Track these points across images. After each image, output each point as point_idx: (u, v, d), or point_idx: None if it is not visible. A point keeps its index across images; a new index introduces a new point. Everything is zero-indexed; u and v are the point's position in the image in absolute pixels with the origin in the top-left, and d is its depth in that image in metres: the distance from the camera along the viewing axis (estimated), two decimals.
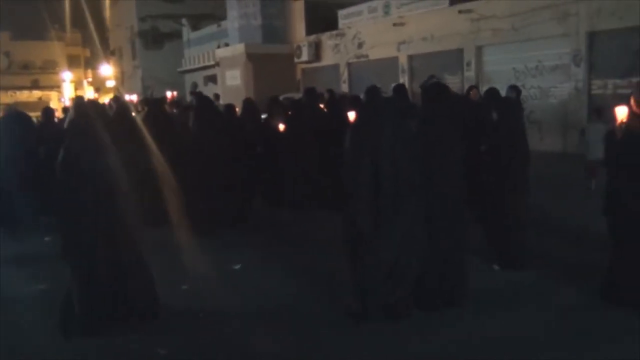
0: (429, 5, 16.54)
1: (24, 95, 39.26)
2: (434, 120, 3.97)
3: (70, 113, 6.45)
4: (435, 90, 4.23)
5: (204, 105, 7.49)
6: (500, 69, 14.62)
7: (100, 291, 3.88)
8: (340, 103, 8.90)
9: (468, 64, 15.32)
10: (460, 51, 15.54)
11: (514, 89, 7.61)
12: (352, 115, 7.62)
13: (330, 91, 10.23)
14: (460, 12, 15.21)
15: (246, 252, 5.91)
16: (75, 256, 3.90)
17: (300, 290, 4.82)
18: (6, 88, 39.48)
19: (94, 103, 6.25)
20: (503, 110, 5.03)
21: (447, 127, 3.96)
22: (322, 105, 9.20)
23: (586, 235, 5.96)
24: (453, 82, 15.41)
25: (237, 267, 5.51)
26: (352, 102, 8.08)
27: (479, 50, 15.14)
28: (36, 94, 40.66)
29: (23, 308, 4.70)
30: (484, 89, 13.58)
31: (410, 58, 17.27)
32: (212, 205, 6.74)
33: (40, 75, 47.38)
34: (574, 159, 8.49)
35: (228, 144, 6.99)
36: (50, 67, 47.89)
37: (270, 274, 5.27)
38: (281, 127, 8.11)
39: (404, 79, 17.16)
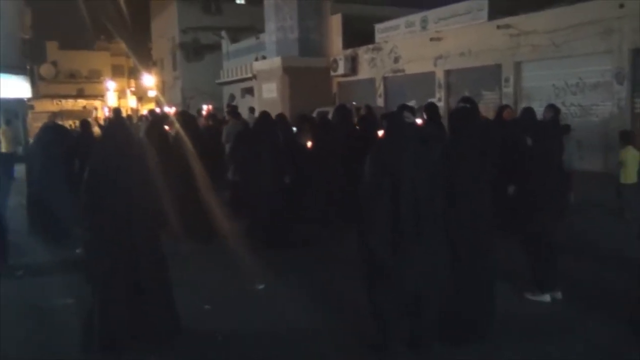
0: (467, 20, 16.36)
1: (69, 104, 40.47)
2: (460, 145, 3.85)
3: (106, 125, 6.49)
4: (461, 114, 4.10)
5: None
6: (539, 86, 14.30)
7: (120, 309, 3.90)
8: (376, 120, 8.80)
9: (506, 80, 15.04)
10: (498, 67, 15.27)
11: (552, 108, 7.30)
12: (381, 132, 7.61)
13: (368, 107, 10.06)
14: (498, 27, 14.97)
15: (271, 271, 5.86)
16: (97, 273, 3.93)
17: (322, 315, 4.74)
18: (52, 96, 40.77)
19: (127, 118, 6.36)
20: (539, 136, 4.81)
21: (474, 151, 3.83)
22: (355, 121, 9.15)
23: (620, 260, 5.74)
24: (491, 98, 15.17)
25: (261, 287, 5.46)
26: (383, 120, 8.02)
27: (517, 66, 14.86)
28: (80, 102, 41.88)
29: (47, 320, 4.78)
30: (522, 105, 13.43)
31: (447, 73, 17.08)
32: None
33: (86, 84, 48.84)
34: (614, 179, 8.20)
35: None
36: (95, 77, 49.37)
37: (294, 296, 5.20)
38: (309, 143, 8.06)
39: (440, 94, 17.00)
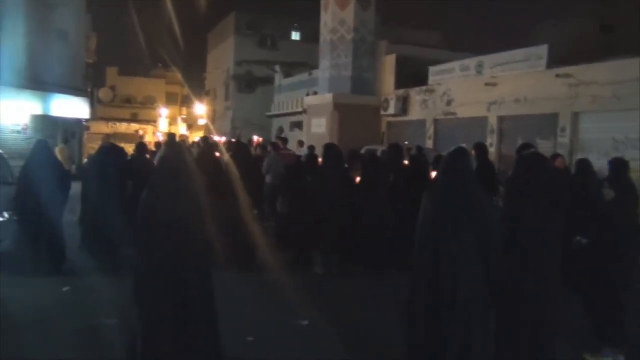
0: (524, 67, 16.18)
1: (123, 128, 41.79)
2: (531, 193, 3.68)
3: (163, 150, 6.61)
4: (533, 160, 3.91)
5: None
6: (598, 138, 13.89)
7: (166, 336, 3.83)
8: (426, 161, 8.70)
9: (563, 130, 14.69)
10: (555, 116, 14.95)
11: (619, 163, 6.80)
12: (434, 174, 7.47)
13: (418, 148, 9.97)
14: (557, 76, 14.72)
15: (316, 307, 5.74)
16: (144, 301, 3.90)
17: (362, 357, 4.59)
18: (108, 119, 42.23)
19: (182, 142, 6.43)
20: (621, 189, 4.56)
21: (546, 201, 3.65)
22: (406, 162, 9.04)
23: None
24: (546, 148, 14.79)
25: (305, 323, 5.35)
26: (438, 161, 7.90)
27: (575, 116, 14.51)
28: (134, 126, 43.21)
29: (89, 341, 4.77)
30: (578, 157, 13.04)
31: (501, 119, 16.83)
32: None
33: (140, 109, 50.60)
34: None
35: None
36: (149, 103, 51.11)
37: (335, 336, 5.05)
38: (357, 179, 8.00)
39: (492, 140, 16.72)
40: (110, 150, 8.07)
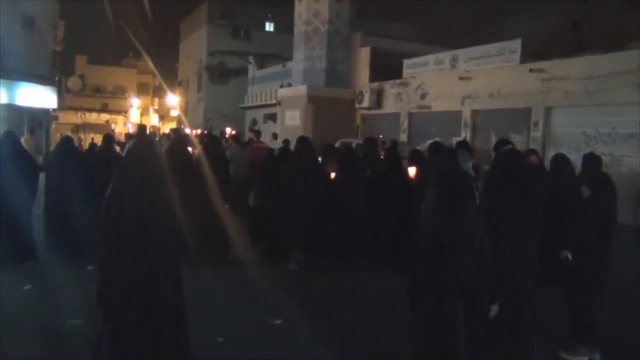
0: (498, 61, 16.23)
1: (92, 117, 40.93)
2: (509, 191, 3.58)
3: (131, 142, 6.43)
4: (511, 157, 3.83)
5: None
6: (569, 132, 14.03)
7: (131, 338, 3.65)
8: (399, 155, 8.61)
9: (535, 125, 14.80)
10: (527, 110, 15.06)
11: (593, 159, 6.56)
12: (412, 171, 7.38)
13: (393, 141, 9.89)
14: (531, 71, 14.81)
15: (290, 305, 5.60)
16: (111, 298, 3.71)
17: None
18: (77, 109, 41.28)
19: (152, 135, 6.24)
20: (599, 186, 4.49)
21: (525, 199, 3.58)
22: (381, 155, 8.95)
23: None
24: (518, 142, 14.87)
25: (278, 322, 5.20)
26: (413, 156, 7.83)
27: (548, 111, 14.63)
28: (104, 116, 42.32)
29: (56, 341, 4.56)
30: (550, 151, 13.15)
31: (475, 113, 16.89)
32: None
33: (110, 99, 49.59)
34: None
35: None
36: (120, 92, 50.13)
37: (311, 336, 4.91)
38: (332, 174, 7.86)
39: (465, 134, 16.79)
40: (71, 141, 7.81)
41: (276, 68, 28.92)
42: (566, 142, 13.83)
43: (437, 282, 3.32)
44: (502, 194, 3.60)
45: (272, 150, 9.92)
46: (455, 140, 16.91)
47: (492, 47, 16.62)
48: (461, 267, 3.20)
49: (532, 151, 8.12)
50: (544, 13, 27.25)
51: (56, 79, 25.09)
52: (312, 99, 21.03)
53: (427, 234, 3.35)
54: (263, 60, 32.30)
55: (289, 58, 25.68)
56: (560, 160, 5.34)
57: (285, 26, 31.50)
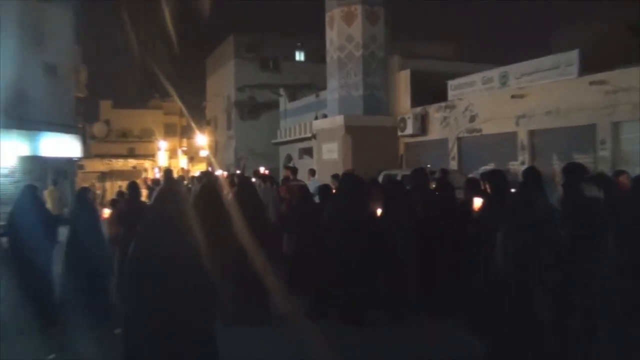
0: (554, 75, 15.82)
1: (119, 164, 41.86)
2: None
3: (157, 191, 6.34)
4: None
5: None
6: None
7: None
8: (452, 186, 8.32)
9: (602, 142, 14.25)
10: (591, 127, 14.54)
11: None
12: (478, 202, 7.01)
13: (443, 170, 9.60)
14: (591, 83, 14.35)
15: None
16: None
17: None
18: (103, 156, 42.34)
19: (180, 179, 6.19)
20: None
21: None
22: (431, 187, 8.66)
23: None
24: (585, 163, 14.33)
25: None
26: (472, 185, 7.52)
27: (615, 126, 14.08)
28: (131, 162, 43.29)
29: None
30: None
31: (531, 134, 16.42)
32: None
33: (137, 143, 50.82)
34: None
35: None
36: (146, 136, 51.31)
37: None
38: (378, 212, 7.60)
39: (523, 158, 16.32)
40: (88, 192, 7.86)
41: (309, 99, 29.09)
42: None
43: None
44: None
45: (304, 187, 9.71)
46: (511, 165, 16.52)
47: (545, 61, 16.24)
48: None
49: (621, 172, 7.70)
50: (596, 20, 26.70)
51: (80, 126, 25.83)
52: (350, 129, 20.94)
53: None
54: (295, 92, 32.59)
55: (322, 88, 25.80)
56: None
57: (317, 54, 31.86)
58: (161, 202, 4.34)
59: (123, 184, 26.43)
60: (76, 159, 24.31)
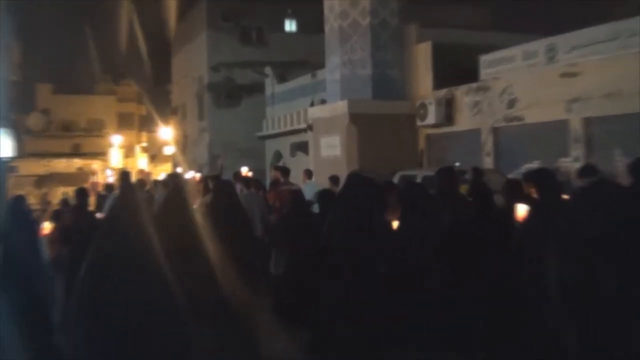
0: (613, 48, 15.86)
1: (61, 165, 41.89)
2: None
3: (110, 203, 6.41)
4: None
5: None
6: None
7: None
8: (489, 190, 8.33)
9: None
10: None
11: None
12: (522, 210, 7.01)
13: (475, 170, 9.65)
14: None
15: None
16: None
17: None
18: (41, 155, 42.29)
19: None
20: None
21: None
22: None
23: None
24: None
25: None
26: (513, 188, 7.54)
27: None
28: (76, 162, 43.30)
29: None
30: None
31: (587, 122, 16.44)
32: None
33: (84, 138, 50.77)
34: None
35: None
36: (96, 129, 51.36)
37: None
38: (395, 224, 7.60)
39: (577, 153, 16.33)
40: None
41: (303, 80, 29.16)
42: None
43: None
44: None
45: (297, 193, 9.72)
46: (562, 162, 16.53)
47: (602, 30, 16.27)
48: None
49: None
50: None
51: (13, 117, 25.82)
52: (355, 118, 20.93)
53: None
54: (285, 71, 32.66)
55: (320, 66, 25.83)
56: None
57: (313, 24, 31.83)
58: (116, 214, 4.39)
59: (69, 191, 26.38)
60: (7, 160, 24.29)
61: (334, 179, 12.90)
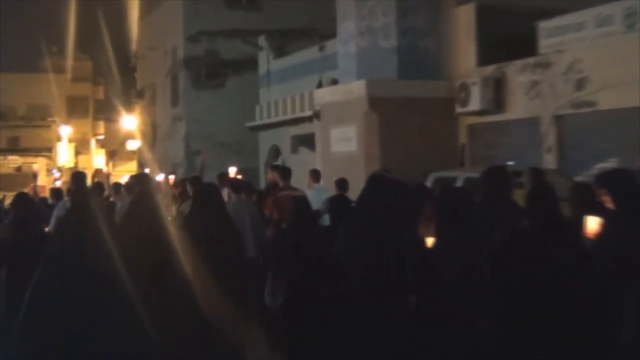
0: None
1: None
2: None
3: (61, 213, 6.54)
4: None
5: None
6: None
7: None
8: (552, 195, 8.36)
9: None
10: None
11: None
12: (592, 224, 7.01)
13: (534, 171, 9.70)
14: None
15: None
16: None
17: None
18: None
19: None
20: None
21: None
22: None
23: None
24: None
25: None
26: (582, 195, 7.54)
27: None
28: (13, 160, 43.55)
29: None
30: None
31: None
32: None
33: (23, 130, 51.01)
34: None
35: None
36: (39, 117, 51.60)
37: None
38: (429, 241, 7.61)
39: None
40: None
41: (308, 54, 29.25)
42: None
43: None
44: None
45: (300, 200, 9.77)
46: None
47: None
48: None
49: None
50: None
51: None
52: (376, 103, 21.00)
53: None
54: (284, 43, 32.75)
55: (329, 35, 25.93)
56: None
57: None
58: (69, 227, 4.48)
59: (6, 197, 26.46)
60: None
61: (342, 183, 12.90)
